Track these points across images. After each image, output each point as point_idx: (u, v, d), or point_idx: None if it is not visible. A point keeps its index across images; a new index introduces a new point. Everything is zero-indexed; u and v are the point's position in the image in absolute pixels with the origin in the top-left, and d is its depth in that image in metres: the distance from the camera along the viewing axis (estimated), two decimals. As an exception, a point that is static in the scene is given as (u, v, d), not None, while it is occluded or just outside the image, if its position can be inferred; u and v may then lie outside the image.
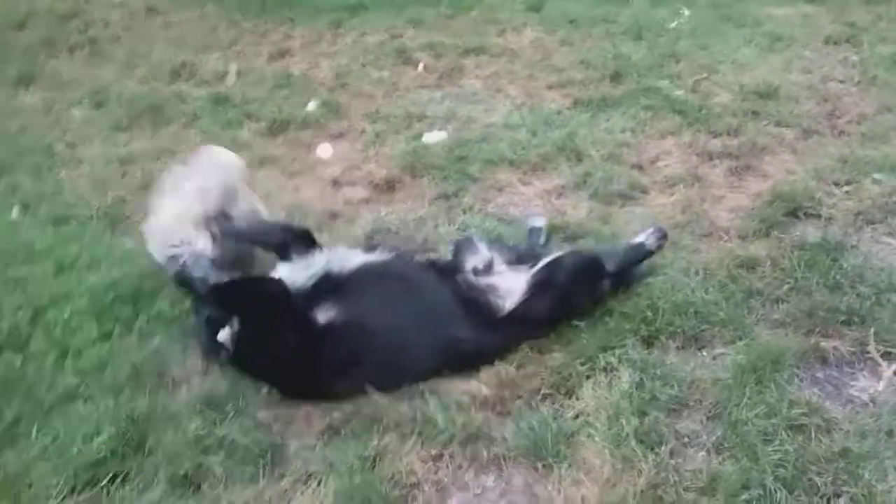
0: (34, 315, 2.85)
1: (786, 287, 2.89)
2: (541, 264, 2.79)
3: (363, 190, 3.95)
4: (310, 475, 2.25)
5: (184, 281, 2.84)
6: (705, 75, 5.08)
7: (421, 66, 5.60)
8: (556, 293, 2.69)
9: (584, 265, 2.80)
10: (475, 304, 2.69)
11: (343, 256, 2.77)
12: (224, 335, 2.58)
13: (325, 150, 4.41)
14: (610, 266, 2.84)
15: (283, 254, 2.82)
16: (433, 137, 4.45)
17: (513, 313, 2.68)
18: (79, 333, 2.76)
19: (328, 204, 3.80)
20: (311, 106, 4.94)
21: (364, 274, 2.69)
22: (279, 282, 2.67)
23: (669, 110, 4.59)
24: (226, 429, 2.37)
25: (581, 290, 2.75)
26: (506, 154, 4.14)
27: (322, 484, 2.20)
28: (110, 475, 2.22)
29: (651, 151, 4.17)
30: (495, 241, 3.09)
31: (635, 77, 5.09)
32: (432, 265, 2.91)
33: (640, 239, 3.00)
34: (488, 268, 2.83)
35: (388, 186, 3.97)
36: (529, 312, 2.67)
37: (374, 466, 2.24)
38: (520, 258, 2.91)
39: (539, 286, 2.71)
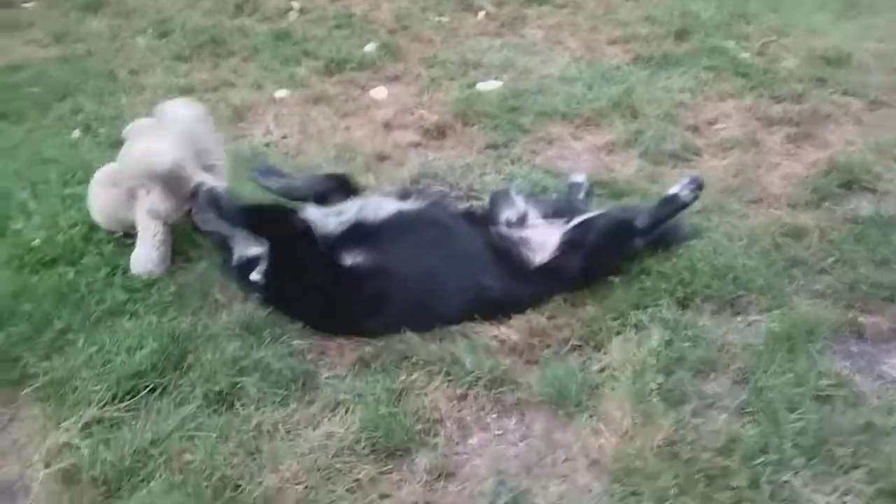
0: (88, 231, 2.96)
1: (831, 259, 2.83)
2: (574, 222, 2.78)
3: (413, 134, 3.96)
4: (338, 403, 2.32)
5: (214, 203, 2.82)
6: (774, 38, 4.93)
7: (482, 14, 5.55)
8: (585, 253, 2.68)
9: (615, 226, 2.77)
10: (506, 255, 2.70)
11: (377, 204, 2.77)
12: (256, 275, 2.65)
13: (379, 92, 4.44)
14: (642, 222, 2.81)
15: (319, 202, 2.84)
16: (488, 86, 4.43)
17: (542, 268, 2.69)
18: (129, 252, 2.86)
19: (378, 146, 3.83)
20: (370, 47, 4.96)
21: (396, 222, 2.70)
22: (300, 217, 2.71)
23: (733, 72, 4.47)
24: (262, 353, 2.45)
25: (610, 251, 2.73)
26: (559, 107, 4.10)
27: (349, 412, 2.28)
28: (149, 387, 2.32)
29: (709, 113, 4.08)
30: (532, 195, 3.09)
31: (701, 36, 4.97)
32: (466, 215, 2.90)
33: (673, 190, 2.92)
34: (522, 220, 2.83)
35: (439, 132, 3.97)
36: (558, 269, 2.68)
37: (400, 400, 2.30)
38: (556, 212, 2.90)
39: (569, 244, 2.71)
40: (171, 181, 2.76)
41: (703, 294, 2.67)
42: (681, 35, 5.02)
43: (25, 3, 5.85)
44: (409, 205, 2.79)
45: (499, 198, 2.94)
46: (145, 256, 2.83)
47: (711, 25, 5.14)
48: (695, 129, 3.93)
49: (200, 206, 2.75)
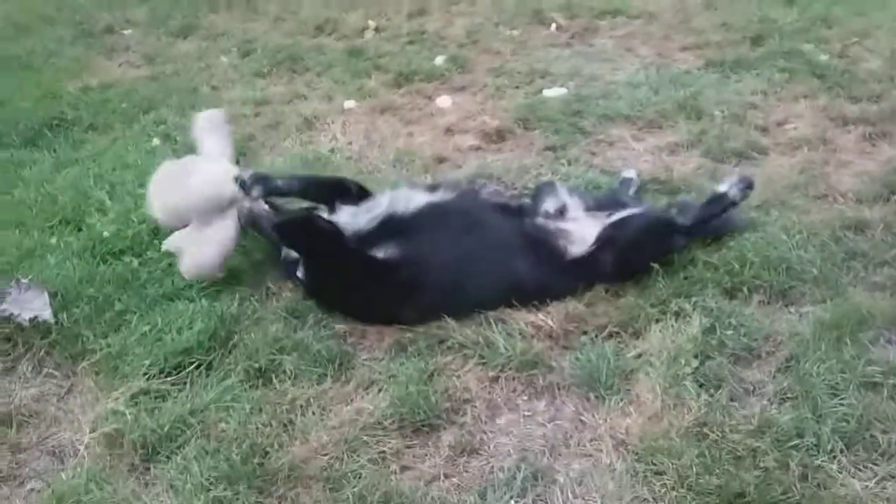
0: (155, 227, 3.13)
1: (894, 251, 2.69)
2: (613, 217, 2.76)
3: (474, 138, 4.00)
4: (372, 382, 2.37)
5: (253, 222, 2.96)
6: (856, 40, 4.74)
7: (554, 26, 5.57)
8: (620, 250, 2.65)
9: (654, 225, 2.74)
10: (541, 245, 2.69)
11: (406, 197, 2.79)
12: (301, 272, 2.76)
13: (444, 100, 4.51)
14: (686, 220, 2.75)
15: (331, 206, 2.85)
16: (553, 92, 4.44)
17: (577, 260, 2.66)
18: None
19: (438, 149, 3.89)
20: (439, 60, 5.05)
21: (427, 213, 2.73)
22: (326, 220, 2.75)
23: (808, 73, 4.33)
24: (303, 334, 2.53)
25: (646, 249, 2.68)
26: (622, 110, 4.07)
27: (382, 391, 2.32)
28: (195, 363, 2.43)
29: (780, 114, 3.96)
30: (577, 188, 3.07)
31: (777, 40, 4.83)
32: (499, 206, 2.90)
33: (722, 188, 2.85)
34: (561, 212, 2.82)
35: (499, 136, 4.00)
36: (592, 263, 2.65)
37: (431, 379, 2.33)
38: (600, 205, 2.88)
39: (606, 241, 2.68)
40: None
41: (752, 284, 2.60)
42: (756, 40, 4.90)
43: (124, 30, 6.27)
44: (438, 196, 2.81)
45: (543, 189, 2.94)
46: (210, 260, 2.82)
47: (790, 30, 5.00)
48: (763, 129, 3.82)
49: (243, 221, 2.86)
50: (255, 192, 2.78)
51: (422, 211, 2.73)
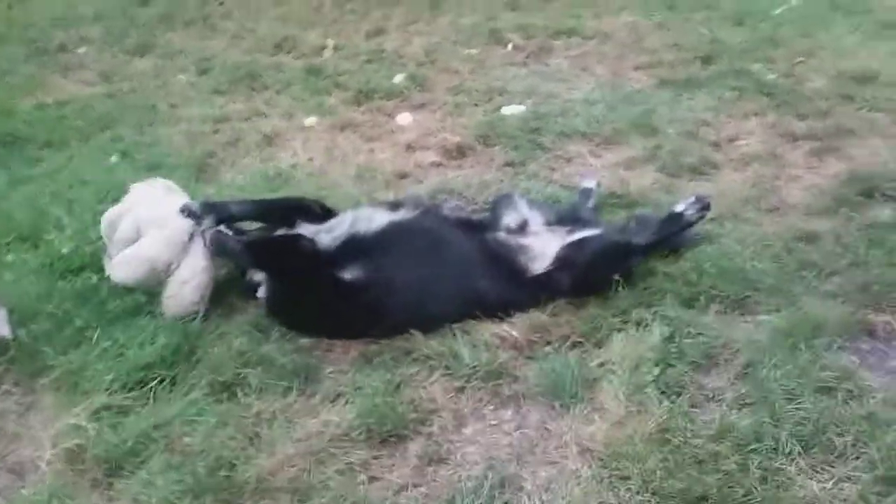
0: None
1: (844, 261, 2.80)
2: (572, 237, 2.78)
3: (435, 154, 4.04)
4: (338, 395, 2.37)
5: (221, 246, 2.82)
6: (802, 59, 4.91)
7: (510, 46, 5.66)
8: (578, 271, 2.68)
9: (610, 248, 2.76)
10: (503, 261, 2.73)
11: (369, 216, 2.78)
12: (263, 292, 2.76)
13: (404, 118, 4.55)
14: (642, 239, 2.80)
15: (290, 226, 2.85)
16: (511, 110, 4.51)
17: (537, 278, 2.70)
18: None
19: (399, 166, 3.93)
20: (398, 79, 5.09)
21: (389, 233, 2.73)
22: (309, 239, 2.73)
23: (757, 92, 4.48)
24: (267, 348, 2.53)
25: (603, 271, 2.69)
26: (580, 127, 4.15)
27: (348, 403, 2.32)
28: (158, 378, 2.41)
29: (731, 130, 4.08)
30: (536, 201, 3.11)
31: (727, 60, 4.99)
32: (462, 222, 2.91)
33: (679, 208, 2.91)
34: (522, 227, 2.85)
35: (459, 152, 4.05)
36: (550, 282, 2.68)
37: (398, 391, 2.34)
38: (560, 219, 2.92)
39: (564, 260, 2.71)
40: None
41: (709, 294, 2.66)
42: (707, 60, 5.04)
43: (79, 48, 6.19)
44: (401, 215, 2.80)
45: (501, 202, 2.98)
46: (190, 298, 2.72)
47: (739, 50, 5.16)
48: (715, 145, 3.93)
49: (212, 249, 2.78)
50: (208, 221, 2.77)
51: (384, 230, 2.73)
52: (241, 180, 3.79)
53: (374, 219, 2.77)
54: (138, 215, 2.84)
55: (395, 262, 2.66)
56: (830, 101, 4.27)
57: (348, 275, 2.64)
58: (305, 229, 2.79)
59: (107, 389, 2.35)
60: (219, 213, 2.80)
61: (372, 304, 2.61)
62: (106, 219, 2.91)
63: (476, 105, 4.65)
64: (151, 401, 2.34)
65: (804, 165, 3.68)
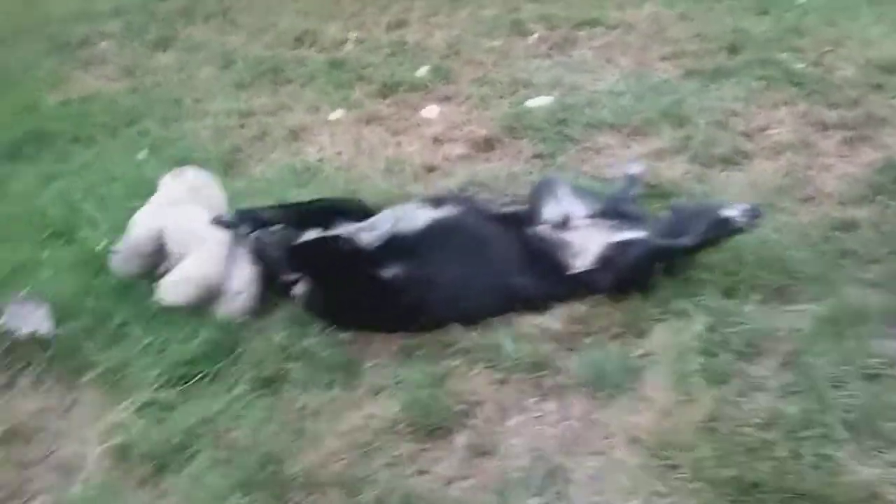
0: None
1: (884, 249, 2.76)
2: (616, 237, 2.72)
3: (462, 147, 4.03)
4: (380, 388, 2.37)
5: (261, 253, 2.82)
6: (830, 49, 4.86)
7: (534, 37, 5.63)
8: (620, 275, 2.63)
9: (655, 253, 2.68)
10: (544, 258, 2.71)
11: (411, 215, 2.76)
12: (298, 289, 2.73)
13: (430, 111, 4.53)
14: (688, 242, 2.70)
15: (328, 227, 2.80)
16: (537, 102, 4.49)
17: (577, 276, 2.67)
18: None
19: (427, 158, 3.91)
20: (422, 71, 5.08)
21: (431, 231, 2.70)
22: (348, 239, 2.71)
23: (786, 81, 4.41)
24: (308, 342, 2.53)
25: (647, 273, 2.64)
26: (607, 118, 4.12)
27: (391, 396, 2.32)
28: (201, 373, 2.42)
29: (761, 120, 4.03)
30: (579, 188, 3.06)
31: (753, 49, 4.92)
32: (504, 217, 2.88)
33: (729, 212, 2.75)
34: (564, 222, 2.81)
35: (487, 145, 4.04)
36: (592, 281, 2.65)
37: (441, 384, 2.34)
38: (604, 211, 2.87)
39: (606, 262, 2.67)
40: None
41: (750, 283, 2.63)
42: (732, 49, 4.98)
43: (99, 42, 6.21)
44: (444, 212, 2.77)
45: (543, 189, 2.94)
46: (243, 306, 2.73)
47: (764, 40, 5.10)
48: (746, 134, 3.89)
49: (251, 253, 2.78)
50: (244, 229, 2.76)
51: (427, 228, 2.71)
52: (270, 174, 3.80)
53: (417, 217, 2.75)
54: (165, 228, 2.81)
55: (436, 261, 2.65)
56: (860, 90, 4.21)
57: (389, 273, 2.62)
58: (344, 229, 2.77)
59: (151, 385, 2.36)
60: (253, 220, 2.79)
61: (412, 302, 2.61)
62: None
63: (501, 97, 4.62)
64: (195, 396, 2.35)
65: (837, 154, 3.64)
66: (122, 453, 2.16)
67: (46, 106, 4.80)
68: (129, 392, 2.38)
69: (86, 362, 2.52)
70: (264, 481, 2.02)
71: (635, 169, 3.29)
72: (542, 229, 2.83)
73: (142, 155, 4.05)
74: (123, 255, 2.80)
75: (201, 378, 2.42)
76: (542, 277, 2.68)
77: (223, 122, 4.49)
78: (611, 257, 2.69)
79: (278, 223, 2.89)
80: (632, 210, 3.02)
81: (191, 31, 6.32)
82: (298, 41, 5.93)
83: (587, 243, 2.76)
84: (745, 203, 2.79)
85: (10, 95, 5.02)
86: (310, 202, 3.19)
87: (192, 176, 3.09)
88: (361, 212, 2.89)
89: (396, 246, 2.68)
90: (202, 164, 3.89)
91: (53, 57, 5.93)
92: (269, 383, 2.39)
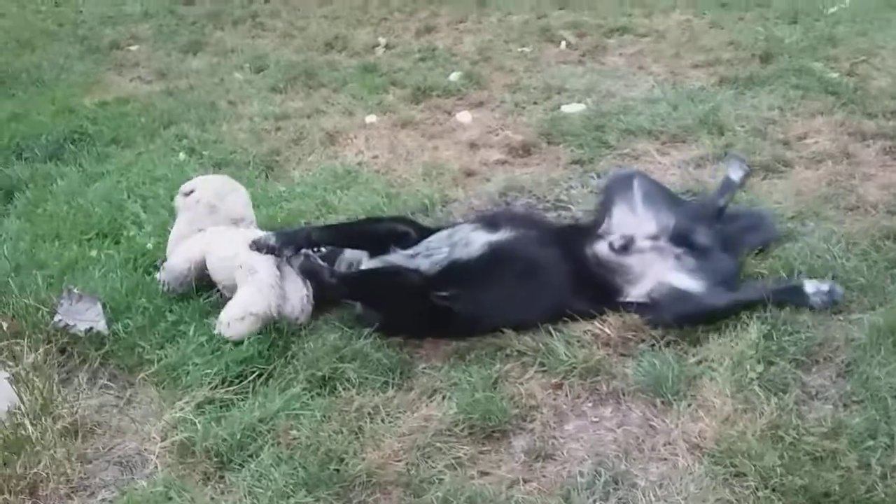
0: (198, 238, 3.11)
1: (936, 260, 2.76)
2: (674, 277, 2.61)
3: (499, 152, 4.04)
4: (435, 390, 2.37)
5: (311, 274, 2.74)
6: (863, 58, 4.86)
7: (564, 44, 5.66)
8: (663, 322, 2.53)
9: (723, 310, 2.53)
10: (601, 281, 2.66)
11: (466, 239, 2.69)
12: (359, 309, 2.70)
13: (464, 116, 4.55)
14: (758, 295, 2.56)
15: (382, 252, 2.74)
16: (571, 108, 4.50)
17: (627, 305, 2.62)
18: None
19: (465, 163, 3.92)
20: (454, 76, 5.10)
21: (487, 257, 2.63)
22: (412, 271, 2.64)
23: (821, 91, 4.43)
24: (361, 343, 2.53)
25: (692, 326, 2.52)
26: (644, 125, 4.13)
27: (446, 398, 2.33)
28: (256, 372, 2.43)
29: (799, 129, 4.03)
30: (652, 192, 2.88)
31: (786, 58, 4.95)
32: (563, 233, 2.82)
33: (808, 288, 2.56)
34: (626, 246, 2.70)
35: (524, 150, 4.05)
36: (640, 313, 2.59)
37: (496, 387, 2.34)
38: (675, 232, 2.72)
39: (654, 303, 2.58)
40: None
41: (802, 293, 2.63)
42: (765, 58, 5.00)
43: (130, 46, 6.26)
44: (499, 236, 2.69)
45: (617, 188, 2.87)
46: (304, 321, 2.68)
47: (797, 49, 5.12)
48: (785, 143, 3.89)
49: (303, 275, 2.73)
50: (288, 252, 2.71)
51: (482, 255, 2.64)
52: (310, 178, 3.81)
53: (472, 241, 2.68)
54: (206, 257, 2.78)
55: (492, 284, 2.60)
56: (897, 100, 4.22)
57: (446, 296, 2.58)
58: (399, 256, 2.71)
59: (208, 383, 2.37)
60: (297, 242, 2.73)
61: (466, 322, 2.58)
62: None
63: (535, 103, 4.65)
64: (252, 395, 2.36)
65: (878, 164, 3.64)
66: (184, 449, 2.16)
67: (83, 107, 4.83)
68: (185, 390, 2.38)
69: (141, 360, 2.53)
70: (327, 480, 2.03)
71: (736, 173, 3.08)
72: (602, 251, 2.72)
73: (181, 156, 4.06)
74: (168, 282, 2.80)
75: (257, 377, 2.42)
76: (595, 301, 2.63)
77: (259, 125, 4.51)
78: (658, 301, 2.59)
79: (325, 244, 2.84)
80: (703, 236, 2.78)
81: (220, 36, 6.38)
82: (329, 46, 5.99)
83: (646, 270, 2.66)
84: (827, 283, 2.59)
85: (46, 97, 5.04)
86: (360, 223, 3.09)
87: (209, 188, 3.03)
88: (413, 229, 2.82)
89: (454, 273, 2.62)
90: (242, 166, 3.96)
91: (86, 60, 5.97)
92: (325, 383, 2.39)
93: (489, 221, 2.80)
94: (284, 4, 7.13)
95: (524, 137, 4.14)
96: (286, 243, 2.72)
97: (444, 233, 2.80)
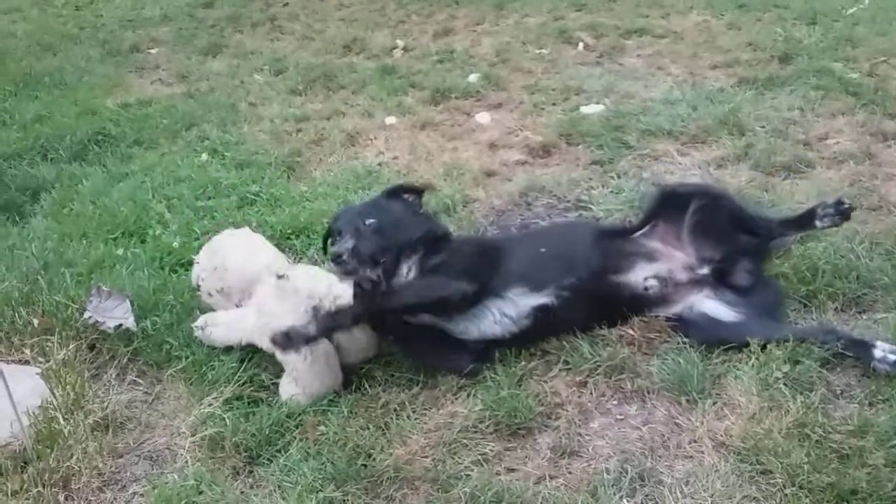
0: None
1: (960, 259, 2.75)
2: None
3: (519, 153, 4.06)
4: (460, 388, 2.40)
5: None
6: (883, 59, 4.84)
7: (581, 45, 5.66)
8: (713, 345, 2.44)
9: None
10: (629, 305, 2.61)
11: (513, 304, 2.51)
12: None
13: (483, 117, 4.57)
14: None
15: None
16: (591, 109, 4.51)
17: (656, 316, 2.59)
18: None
19: (485, 164, 3.94)
20: (472, 78, 5.12)
21: (531, 322, 2.52)
22: (453, 335, 2.52)
23: (842, 91, 4.41)
24: (385, 344, 2.55)
25: None
26: (664, 125, 4.13)
27: (471, 396, 2.34)
28: (283, 370, 2.44)
29: (820, 129, 4.02)
30: (707, 223, 2.67)
31: (806, 59, 4.92)
32: (611, 288, 2.59)
33: (877, 351, 2.29)
34: (664, 287, 2.60)
35: (544, 151, 4.06)
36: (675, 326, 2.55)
37: (521, 384, 2.35)
38: (716, 268, 2.61)
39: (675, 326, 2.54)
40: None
41: (826, 292, 2.64)
42: (784, 59, 4.99)
43: (150, 49, 6.32)
44: (544, 298, 2.52)
45: (663, 208, 2.76)
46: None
47: (816, 50, 5.09)
48: (806, 143, 3.88)
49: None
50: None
51: (527, 320, 2.52)
52: (331, 178, 3.84)
53: (519, 306, 2.51)
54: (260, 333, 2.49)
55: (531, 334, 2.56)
56: (918, 101, 4.20)
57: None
58: (446, 319, 2.52)
59: (235, 380, 2.40)
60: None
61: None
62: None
63: (554, 104, 4.66)
64: (279, 392, 2.38)
65: (900, 164, 3.63)
66: (214, 444, 2.20)
67: (106, 109, 4.88)
68: (213, 386, 2.42)
69: (169, 356, 2.57)
70: (355, 474, 2.05)
71: (822, 222, 2.73)
72: (636, 287, 2.60)
73: (204, 157, 4.10)
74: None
75: (278, 375, 2.44)
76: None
77: (280, 126, 4.55)
78: (687, 321, 2.54)
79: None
80: (746, 271, 2.67)
81: (240, 39, 6.42)
82: (347, 48, 6.01)
83: (677, 298, 2.61)
84: (888, 344, 2.33)
85: (69, 99, 5.11)
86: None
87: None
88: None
89: (497, 340, 2.54)
90: (264, 167, 3.99)
91: (107, 62, 6.04)
92: (351, 381, 2.41)
93: (536, 283, 2.55)
94: (303, 7, 7.16)
95: (544, 138, 4.16)
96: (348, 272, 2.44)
97: (493, 303, 2.52)
